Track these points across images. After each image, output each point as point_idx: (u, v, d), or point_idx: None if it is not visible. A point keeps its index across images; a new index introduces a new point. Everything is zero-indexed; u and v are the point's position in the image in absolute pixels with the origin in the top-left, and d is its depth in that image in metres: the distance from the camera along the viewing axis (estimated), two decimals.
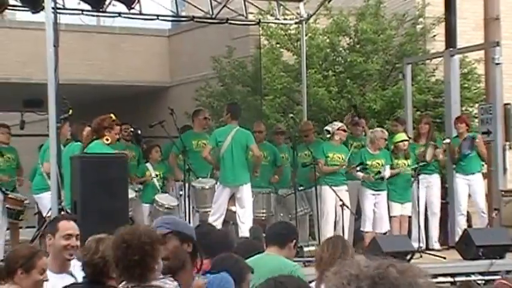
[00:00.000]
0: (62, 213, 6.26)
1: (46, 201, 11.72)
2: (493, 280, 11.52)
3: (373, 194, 13.38)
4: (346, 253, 5.87)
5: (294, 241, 6.53)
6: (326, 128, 13.73)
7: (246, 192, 12.31)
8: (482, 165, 13.93)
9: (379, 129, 14.30)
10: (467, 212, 14.40)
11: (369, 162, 13.31)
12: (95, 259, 5.22)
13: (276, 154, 13.54)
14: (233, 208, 12.47)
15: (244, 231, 11.89)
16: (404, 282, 2.22)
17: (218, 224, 12.15)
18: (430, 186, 13.82)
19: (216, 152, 12.44)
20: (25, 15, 17.47)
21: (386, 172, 13.36)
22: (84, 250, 5.46)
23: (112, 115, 10.82)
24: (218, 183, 12.42)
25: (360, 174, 13.28)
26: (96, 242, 5.39)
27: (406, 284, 2.22)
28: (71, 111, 11.41)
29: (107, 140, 10.49)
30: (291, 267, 6.17)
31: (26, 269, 5.48)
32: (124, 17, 14.99)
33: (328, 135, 13.44)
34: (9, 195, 12.78)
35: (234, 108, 13.04)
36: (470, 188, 13.66)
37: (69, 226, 6.16)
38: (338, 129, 13.34)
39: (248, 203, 12.31)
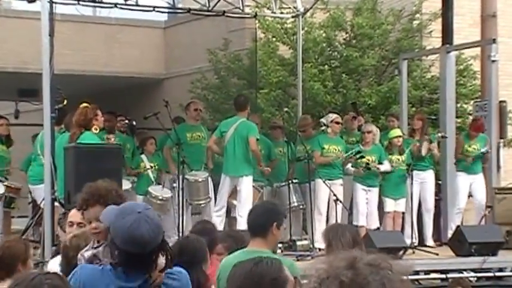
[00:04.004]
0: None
1: (43, 192, 11.70)
2: (486, 277, 11.59)
3: (364, 190, 13.36)
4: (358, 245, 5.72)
5: (275, 223, 5.86)
6: (321, 119, 13.75)
7: (246, 184, 12.33)
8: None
9: (367, 123, 14.34)
10: None
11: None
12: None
13: (270, 148, 13.53)
14: (234, 202, 12.53)
15: (241, 224, 11.86)
16: (376, 277, 2.16)
17: (222, 216, 12.40)
18: (424, 182, 13.77)
19: (220, 142, 12.59)
20: (21, 5, 17.40)
21: (386, 166, 13.32)
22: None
23: (86, 104, 10.65)
24: (222, 174, 12.49)
25: (352, 169, 13.26)
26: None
27: (378, 280, 2.16)
28: (65, 101, 11.38)
29: (96, 129, 10.49)
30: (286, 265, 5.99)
31: (24, 262, 5.63)
32: (120, 8, 14.95)
33: (323, 127, 13.44)
34: (9, 185, 12.91)
35: (238, 100, 13.13)
36: (472, 186, 13.67)
37: (71, 214, 6.03)
38: (332, 121, 13.33)
39: (247, 196, 12.30)
